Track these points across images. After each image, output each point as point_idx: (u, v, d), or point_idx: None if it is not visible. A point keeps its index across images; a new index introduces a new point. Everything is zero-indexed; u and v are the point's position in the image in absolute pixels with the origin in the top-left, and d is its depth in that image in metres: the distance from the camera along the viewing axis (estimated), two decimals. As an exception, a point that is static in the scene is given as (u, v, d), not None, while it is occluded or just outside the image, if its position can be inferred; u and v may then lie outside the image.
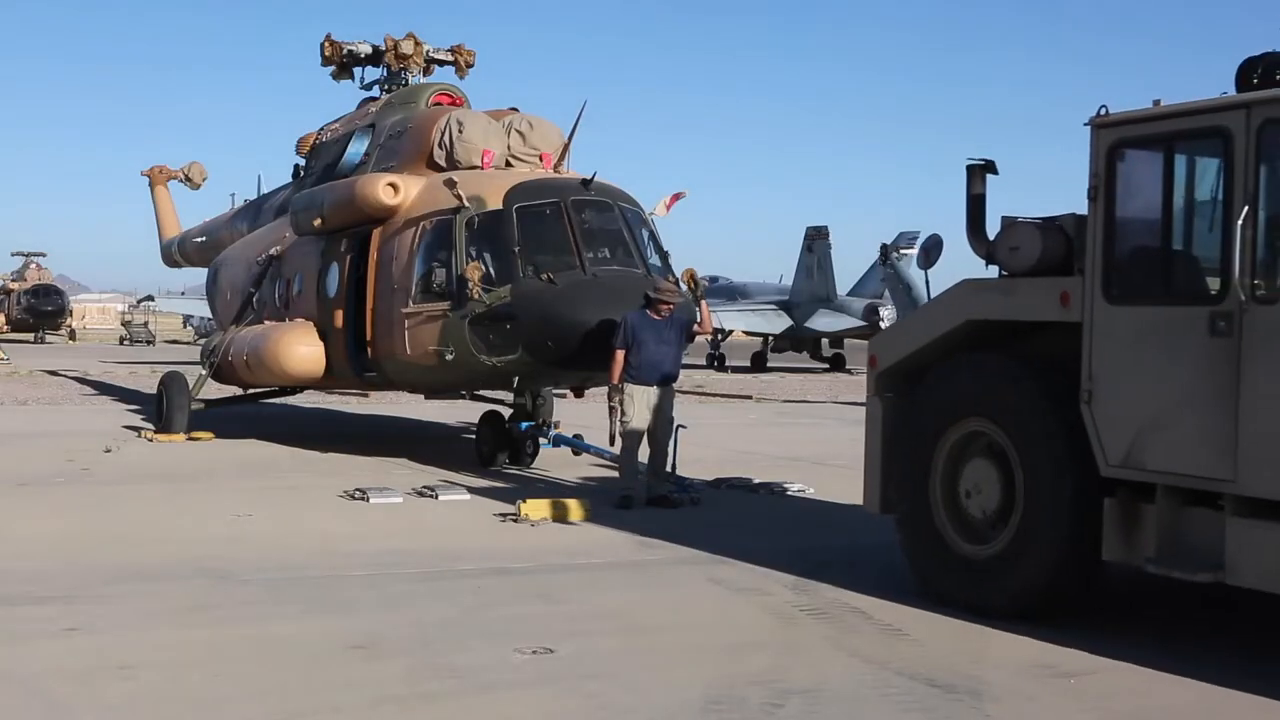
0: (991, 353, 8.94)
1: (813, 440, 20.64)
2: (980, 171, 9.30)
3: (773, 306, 48.11)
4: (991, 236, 9.19)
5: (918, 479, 9.21)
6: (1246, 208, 7.33)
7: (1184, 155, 7.99)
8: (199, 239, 26.29)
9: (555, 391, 18.63)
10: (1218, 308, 7.47)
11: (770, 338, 49.02)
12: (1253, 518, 7.29)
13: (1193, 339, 7.57)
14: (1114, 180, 8.13)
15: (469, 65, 20.40)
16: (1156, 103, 8.02)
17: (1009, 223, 8.96)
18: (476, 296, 15.12)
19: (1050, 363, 8.55)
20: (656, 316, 13.58)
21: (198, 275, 27.51)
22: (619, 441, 13.69)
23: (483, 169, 16.64)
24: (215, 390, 20.37)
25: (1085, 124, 8.28)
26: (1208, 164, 7.88)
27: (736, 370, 45.76)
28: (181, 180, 28.79)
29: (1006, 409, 8.62)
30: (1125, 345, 7.99)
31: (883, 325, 37.55)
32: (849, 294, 47.66)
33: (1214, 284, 7.58)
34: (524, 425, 16.51)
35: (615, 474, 13.91)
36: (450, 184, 15.55)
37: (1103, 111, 8.23)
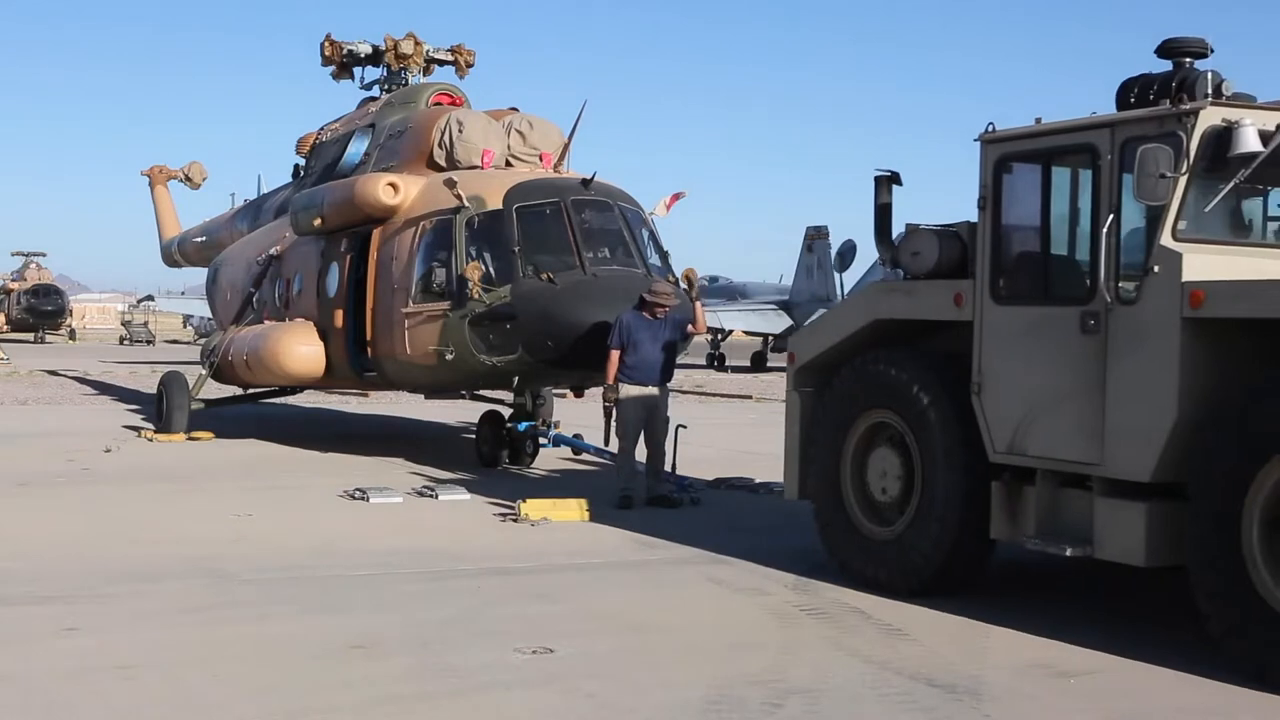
0: (895, 349, 9.62)
1: (813, 440, 20.58)
2: (887, 182, 9.95)
3: (773, 306, 48.08)
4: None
5: (831, 467, 9.94)
6: (1111, 216, 8.04)
7: (1059, 169, 8.68)
8: (199, 239, 26.29)
9: (555, 391, 18.65)
10: (1087, 308, 8.15)
11: (770, 338, 48.99)
12: (1116, 497, 8.00)
13: (1066, 337, 8.27)
14: (1000, 191, 8.88)
15: (469, 65, 20.41)
16: (1038, 120, 8.68)
17: (911, 229, 9.63)
18: (476, 296, 15.13)
19: (947, 358, 9.30)
20: (651, 317, 13.58)
21: (198, 275, 27.53)
22: (615, 442, 13.68)
23: (483, 169, 16.64)
24: (215, 390, 20.36)
25: (975, 140, 8.97)
26: (1079, 177, 8.52)
27: (736, 370, 45.78)
28: (181, 180, 28.80)
29: (907, 401, 9.30)
30: (1010, 342, 8.72)
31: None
32: (849, 294, 47.62)
33: (1084, 286, 8.24)
34: (524, 425, 16.51)
35: (615, 474, 13.91)
36: (450, 184, 15.55)
37: (990, 128, 8.93)
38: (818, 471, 10.08)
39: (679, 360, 14.53)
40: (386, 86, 20.53)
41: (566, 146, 16.83)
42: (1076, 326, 8.21)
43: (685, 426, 14.42)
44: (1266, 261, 8.02)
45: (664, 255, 16.33)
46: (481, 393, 19.28)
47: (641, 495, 13.51)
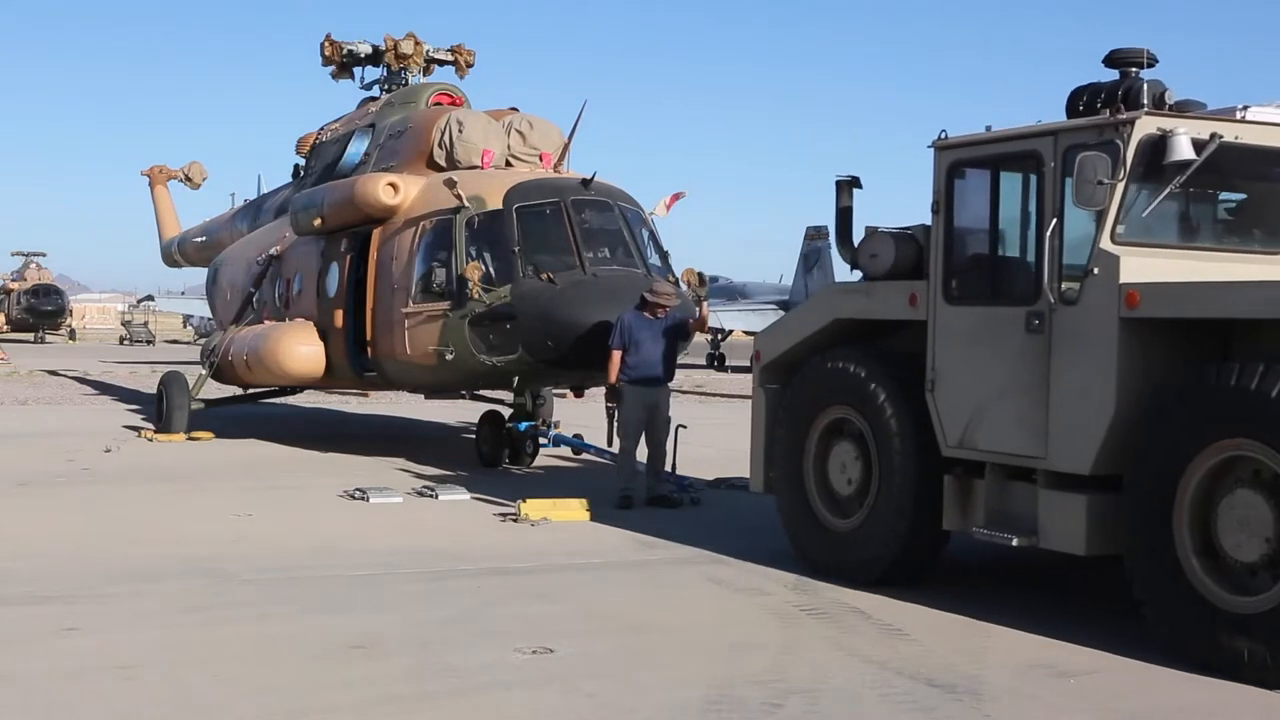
0: (854, 348, 9.97)
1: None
2: (847, 186, 10.33)
3: (773, 306, 48.04)
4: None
5: (794, 461, 10.30)
6: (1054, 221, 8.37)
7: (1007, 174, 9.01)
8: (199, 239, 26.28)
9: (555, 391, 18.64)
10: (1032, 308, 8.48)
11: (770, 337, 48.88)
12: (1058, 489, 8.32)
13: (1013, 336, 8.60)
14: (952, 196, 9.23)
15: (469, 65, 20.41)
16: (988, 128, 9.02)
17: (870, 232, 9.96)
18: (476, 296, 15.13)
19: (903, 357, 9.62)
20: (652, 316, 13.58)
21: (198, 275, 27.52)
22: (617, 442, 13.68)
23: (483, 169, 16.63)
24: (215, 390, 20.35)
25: (928, 146, 9.31)
26: (1026, 182, 8.82)
27: (736, 370, 45.72)
28: (181, 180, 28.78)
29: (865, 398, 9.65)
30: (961, 341, 9.06)
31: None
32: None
33: (1030, 287, 8.56)
34: (524, 425, 16.50)
35: (615, 474, 13.91)
36: (450, 184, 15.55)
37: (943, 135, 9.28)
38: (781, 466, 10.43)
39: (679, 360, 14.53)
40: (386, 86, 20.53)
41: (566, 146, 16.83)
42: (1022, 326, 8.53)
43: (685, 426, 14.42)
44: (1205, 264, 8.30)
45: (664, 255, 16.34)
46: (481, 393, 19.28)
47: (641, 495, 13.51)
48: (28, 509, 12.72)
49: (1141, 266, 8.05)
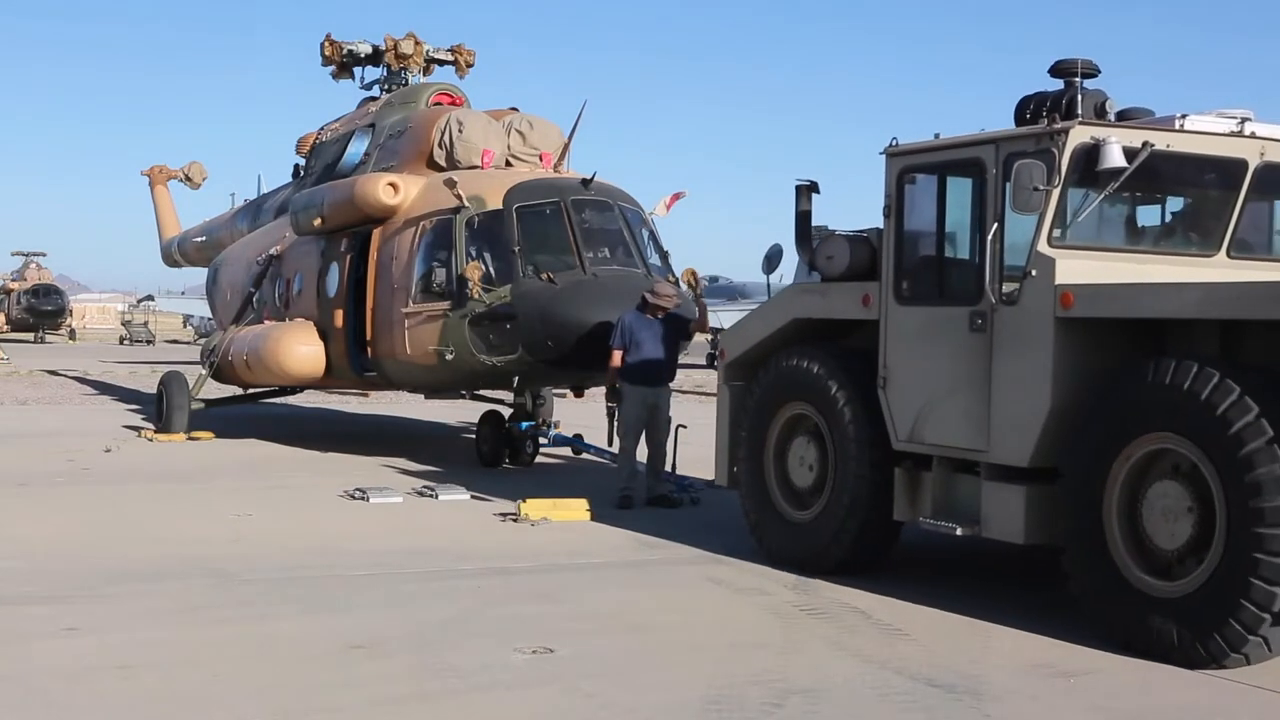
0: (812, 346, 10.36)
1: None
2: (806, 191, 10.68)
3: (773, 307, 48.00)
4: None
5: (755, 455, 10.71)
6: (996, 225, 8.73)
7: (953, 180, 9.39)
8: (199, 239, 26.28)
9: (555, 391, 18.64)
10: (975, 308, 8.86)
11: (770, 337, 48.87)
12: (999, 481, 8.74)
13: (958, 335, 8.99)
14: (902, 201, 9.63)
15: (469, 65, 20.41)
16: (936, 136, 9.38)
17: (826, 235, 10.44)
18: (476, 296, 15.13)
19: (857, 355, 10.01)
20: (652, 317, 13.58)
21: (198, 275, 27.52)
22: (617, 442, 13.69)
23: (483, 169, 16.64)
24: (215, 390, 20.35)
25: (880, 153, 9.69)
26: (969, 188, 9.16)
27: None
28: (181, 180, 28.78)
29: (822, 394, 10.07)
30: (911, 339, 9.46)
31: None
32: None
33: (973, 288, 8.92)
34: (524, 425, 16.51)
35: (615, 474, 13.91)
36: (450, 184, 15.55)
37: (894, 142, 9.66)
38: (744, 460, 10.82)
39: (679, 360, 14.53)
40: (386, 86, 20.53)
41: (566, 146, 16.83)
42: (966, 325, 8.91)
43: (685, 426, 14.42)
44: (1141, 266, 8.69)
45: (664, 255, 16.34)
46: (481, 393, 19.28)
47: (642, 495, 13.51)
48: (28, 509, 12.72)
49: (1077, 268, 8.42)
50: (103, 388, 30.61)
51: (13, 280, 70.57)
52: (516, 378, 15.72)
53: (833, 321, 10.33)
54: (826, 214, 10.96)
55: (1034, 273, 8.47)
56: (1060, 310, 8.30)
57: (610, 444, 14.17)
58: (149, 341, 66.80)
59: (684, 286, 15.26)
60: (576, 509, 12.54)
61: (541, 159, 16.85)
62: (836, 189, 11.00)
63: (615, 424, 13.94)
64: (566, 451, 17.07)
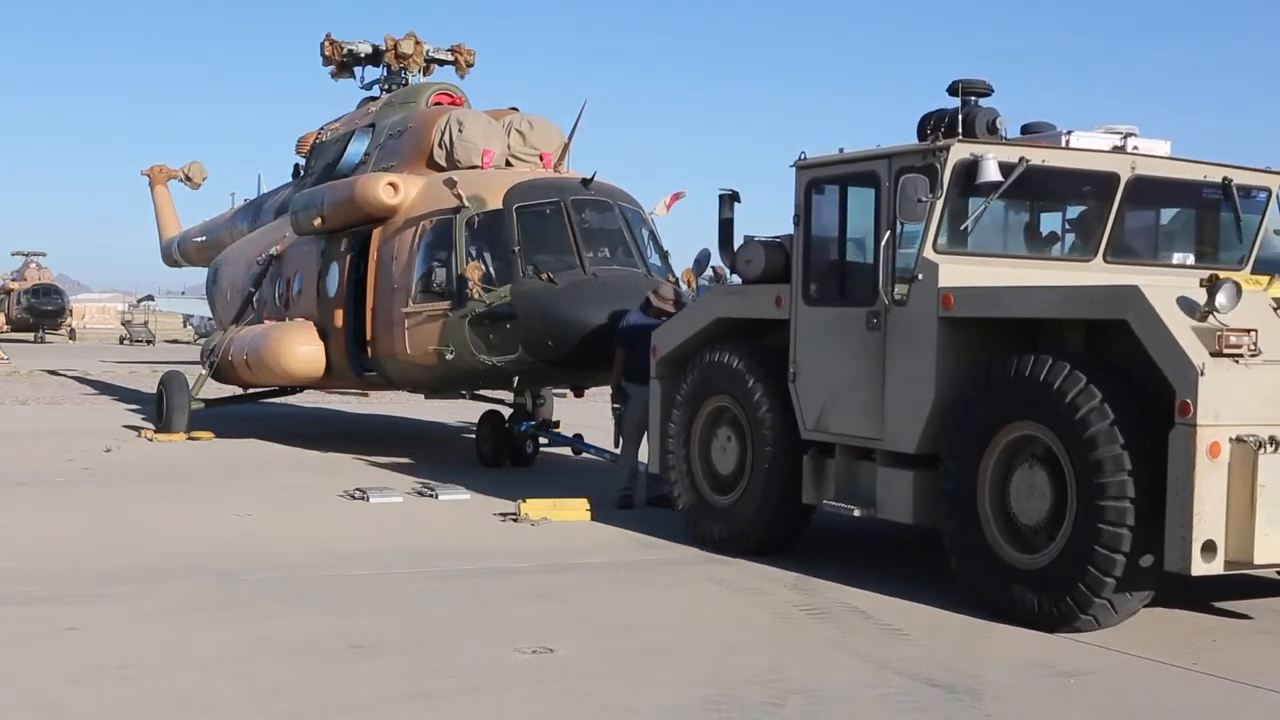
0: (733, 344, 11.15)
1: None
2: (729, 200, 11.63)
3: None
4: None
5: (683, 445, 11.54)
6: (889, 233, 9.52)
7: (854, 191, 10.20)
8: (199, 239, 26.28)
9: (555, 391, 18.63)
10: (871, 309, 9.67)
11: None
12: (891, 467, 9.61)
13: (857, 333, 9.80)
14: (810, 210, 10.38)
15: (469, 65, 20.41)
16: (840, 150, 10.14)
17: (746, 240, 11.17)
18: (476, 296, 15.13)
19: (772, 352, 10.78)
20: (655, 318, 13.56)
21: (198, 275, 27.50)
22: (621, 442, 13.68)
23: (483, 169, 16.64)
24: (215, 390, 20.35)
25: (790, 166, 10.45)
26: (867, 199, 9.90)
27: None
28: (181, 180, 28.78)
29: (740, 388, 10.89)
30: (817, 338, 10.25)
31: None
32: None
33: (870, 291, 9.69)
34: (524, 425, 16.51)
35: (615, 474, 13.91)
36: (450, 184, 15.55)
37: (803, 155, 10.43)
38: (674, 449, 11.62)
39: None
40: (386, 86, 20.53)
41: (566, 146, 16.84)
42: (864, 325, 9.72)
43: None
44: (1021, 271, 9.41)
45: (664, 255, 16.35)
46: (481, 393, 19.28)
47: (642, 495, 13.51)
48: (28, 509, 12.72)
49: (958, 273, 9.21)
50: (103, 388, 30.60)
51: (13, 280, 70.55)
52: (516, 378, 15.72)
53: (751, 321, 11.10)
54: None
55: (920, 276, 9.30)
56: (942, 311, 9.12)
57: (617, 445, 14.17)
58: (149, 341, 66.77)
59: (684, 287, 15.25)
60: (577, 509, 12.54)
61: (541, 159, 16.86)
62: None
63: (619, 424, 13.92)
64: (566, 451, 17.07)
